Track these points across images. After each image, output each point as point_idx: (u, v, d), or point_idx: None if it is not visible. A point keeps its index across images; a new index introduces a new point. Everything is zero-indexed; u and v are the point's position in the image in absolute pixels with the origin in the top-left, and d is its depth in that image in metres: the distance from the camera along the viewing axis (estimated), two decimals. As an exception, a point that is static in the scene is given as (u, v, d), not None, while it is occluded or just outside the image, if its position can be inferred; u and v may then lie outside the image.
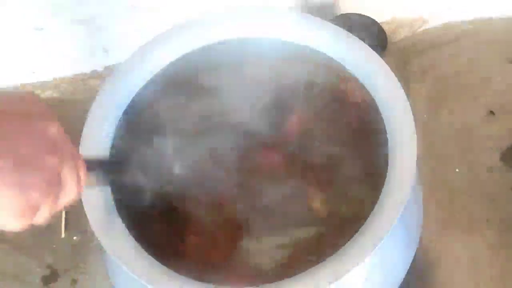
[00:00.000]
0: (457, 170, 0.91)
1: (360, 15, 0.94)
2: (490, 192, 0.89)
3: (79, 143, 0.59)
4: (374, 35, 0.92)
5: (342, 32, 0.63)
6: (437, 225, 0.86)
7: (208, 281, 0.53)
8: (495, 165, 0.91)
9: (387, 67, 0.60)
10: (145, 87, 0.63)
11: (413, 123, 0.56)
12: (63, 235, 0.93)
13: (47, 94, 1.05)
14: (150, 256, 0.55)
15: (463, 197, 0.89)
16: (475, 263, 0.83)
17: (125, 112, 0.62)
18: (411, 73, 1.02)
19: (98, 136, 0.60)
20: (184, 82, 0.66)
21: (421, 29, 1.07)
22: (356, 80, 0.60)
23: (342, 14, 0.96)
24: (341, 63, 0.61)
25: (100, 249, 0.57)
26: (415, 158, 0.55)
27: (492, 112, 0.96)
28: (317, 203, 0.66)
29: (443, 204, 0.88)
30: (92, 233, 0.55)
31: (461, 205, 0.88)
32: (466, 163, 0.92)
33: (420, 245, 0.81)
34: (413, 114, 0.82)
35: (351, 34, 0.63)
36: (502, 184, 0.90)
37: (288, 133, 0.70)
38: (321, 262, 0.52)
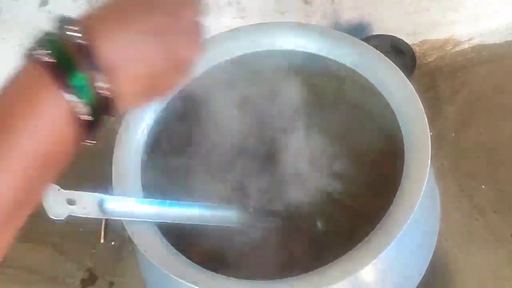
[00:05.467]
0: (483, 186, 0.93)
1: (390, 36, 0.97)
2: (515, 209, 0.90)
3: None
4: (404, 55, 0.95)
5: (366, 47, 0.66)
6: (462, 239, 0.88)
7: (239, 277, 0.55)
8: (522, 183, 0.93)
9: (406, 80, 0.63)
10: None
11: (427, 126, 0.59)
12: (102, 240, 0.97)
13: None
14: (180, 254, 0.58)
15: (488, 213, 0.90)
16: (496, 277, 0.85)
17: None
18: (441, 93, 1.04)
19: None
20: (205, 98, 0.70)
21: (453, 50, 1.09)
22: (375, 90, 0.64)
23: (373, 35, 0.99)
24: (363, 74, 0.65)
25: (134, 251, 0.60)
26: (428, 160, 0.57)
27: (520, 132, 0.97)
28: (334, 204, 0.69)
29: (468, 219, 0.90)
30: (129, 239, 0.58)
31: (486, 220, 0.90)
32: (492, 180, 0.93)
33: (444, 258, 0.83)
34: (441, 132, 0.85)
35: (374, 49, 0.66)
36: (528, 201, 0.91)
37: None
38: (333, 261, 0.54)
